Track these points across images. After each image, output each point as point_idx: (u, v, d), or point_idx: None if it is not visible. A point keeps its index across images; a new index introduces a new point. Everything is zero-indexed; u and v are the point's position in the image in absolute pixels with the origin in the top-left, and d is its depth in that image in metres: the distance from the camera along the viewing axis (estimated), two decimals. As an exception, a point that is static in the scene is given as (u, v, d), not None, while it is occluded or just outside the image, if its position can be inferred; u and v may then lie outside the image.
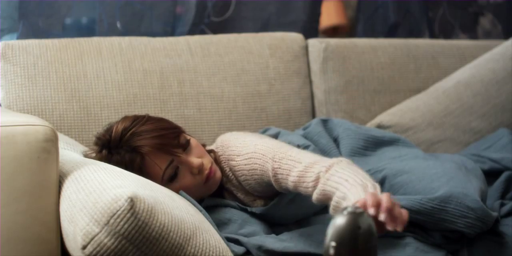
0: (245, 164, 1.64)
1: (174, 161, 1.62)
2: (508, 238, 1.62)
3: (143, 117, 1.66)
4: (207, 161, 1.66)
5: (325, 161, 1.47)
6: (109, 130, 1.65)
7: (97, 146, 1.66)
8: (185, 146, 1.65)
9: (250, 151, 1.63)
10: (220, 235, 1.47)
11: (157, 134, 1.61)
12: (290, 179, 1.51)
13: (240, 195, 1.72)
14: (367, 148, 1.86)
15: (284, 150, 1.57)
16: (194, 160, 1.63)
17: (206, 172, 1.64)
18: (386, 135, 1.91)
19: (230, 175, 1.71)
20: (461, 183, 1.64)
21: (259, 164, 1.61)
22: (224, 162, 1.71)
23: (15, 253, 1.38)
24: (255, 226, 1.62)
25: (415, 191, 1.65)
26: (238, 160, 1.66)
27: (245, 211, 1.68)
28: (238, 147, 1.68)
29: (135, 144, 1.60)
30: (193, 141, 1.68)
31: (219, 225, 1.60)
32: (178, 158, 1.62)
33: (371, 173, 1.75)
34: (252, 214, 1.67)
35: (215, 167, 1.67)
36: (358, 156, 1.83)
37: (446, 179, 1.65)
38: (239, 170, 1.67)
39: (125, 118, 1.67)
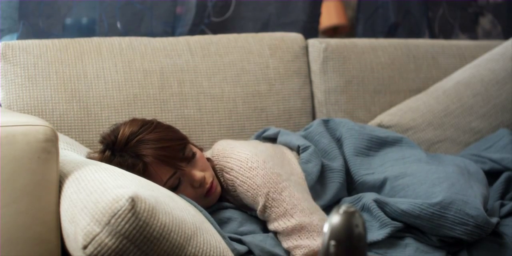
0: (238, 185, 1.64)
1: (177, 173, 1.62)
2: (508, 239, 1.62)
3: (151, 123, 1.66)
4: (209, 175, 1.66)
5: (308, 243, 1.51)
6: (115, 131, 1.65)
7: (101, 145, 1.66)
8: (190, 159, 1.65)
9: (246, 175, 1.62)
10: (221, 235, 1.48)
11: (163, 145, 1.61)
12: (274, 226, 1.56)
13: (236, 204, 1.71)
14: (371, 148, 1.86)
15: (281, 188, 1.58)
16: (197, 173, 1.63)
17: (207, 186, 1.64)
18: (389, 135, 1.91)
19: (225, 185, 1.71)
20: (462, 190, 1.64)
21: (251, 193, 1.61)
22: (219, 172, 1.71)
23: (15, 253, 1.38)
24: (254, 225, 1.62)
25: (416, 194, 1.65)
26: (232, 175, 1.66)
27: (245, 211, 1.69)
28: (233, 158, 1.67)
29: (140, 152, 1.59)
30: (198, 154, 1.68)
31: (219, 224, 1.61)
32: (181, 171, 1.62)
33: (374, 175, 1.75)
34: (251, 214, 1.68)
35: (216, 182, 1.68)
36: (362, 156, 1.83)
37: (447, 184, 1.65)
38: (232, 186, 1.67)
39: (133, 121, 1.67)
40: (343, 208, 1.11)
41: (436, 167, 1.74)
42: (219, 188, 1.68)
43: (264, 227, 1.64)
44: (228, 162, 1.67)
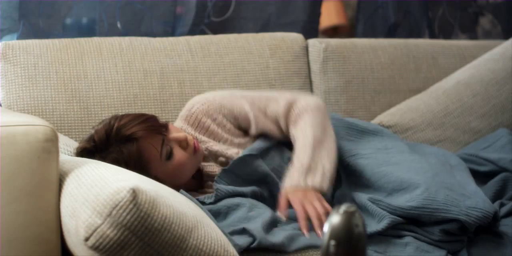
0: (214, 113, 1.82)
1: (165, 140, 1.69)
2: (508, 239, 1.62)
3: (115, 116, 1.71)
4: (188, 135, 1.75)
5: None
6: (89, 139, 1.68)
7: (84, 156, 1.67)
8: (167, 126, 1.72)
9: (212, 100, 1.84)
10: (222, 231, 1.49)
11: (142, 119, 1.68)
12: (270, 111, 1.81)
13: (212, 145, 1.79)
14: (351, 135, 1.89)
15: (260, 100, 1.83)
16: (180, 134, 1.72)
17: (192, 143, 1.72)
18: (369, 126, 1.94)
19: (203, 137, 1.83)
20: (446, 179, 1.68)
21: (237, 111, 1.82)
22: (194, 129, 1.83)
23: (15, 253, 1.38)
24: (262, 209, 1.65)
25: (400, 180, 1.67)
26: (199, 111, 1.82)
27: (254, 197, 1.71)
28: (191, 101, 1.87)
29: (126, 133, 1.64)
30: (169, 123, 1.76)
31: (229, 211, 1.64)
32: (167, 136, 1.70)
33: (356, 158, 1.78)
34: (258, 199, 1.71)
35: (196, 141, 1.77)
36: (343, 140, 1.85)
37: (431, 174, 1.68)
38: (208, 125, 1.82)
39: (98, 124, 1.71)
40: (343, 208, 1.12)
41: (419, 157, 1.77)
42: (200, 146, 1.76)
43: (272, 212, 1.66)
44: (190, 104, 1.86)
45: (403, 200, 1.62)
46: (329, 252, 1.13)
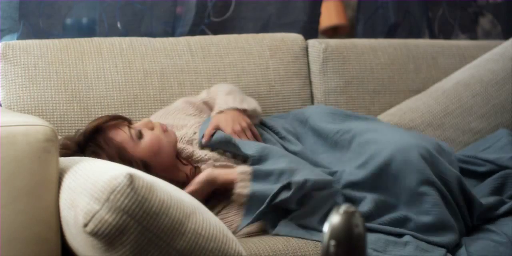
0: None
1: (130, 126, 1.74)
2: (507, 238, 1.63)
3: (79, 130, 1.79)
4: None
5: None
6: (63, 154, 1.71)
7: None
8: (129, 119, 1.79)
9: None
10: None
11: (104, 115, 1.76)
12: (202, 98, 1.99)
13: (181, 138, 1.86)
14: (336, 119, 1.96)
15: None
16: (142, 120, 1.79)
17: (158, 124, 1.78)
18: (355, 113, 2.03)
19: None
20: (422, 139, 1.77)
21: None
22: None
23: (15, 253, 1.38)
24: (307, 165, 1.77)
25: (378, 145, 1.73)
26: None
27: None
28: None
29: (92, 127, 1.70)
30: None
31: (277, 157, 1.74)
32: (130, 122, 1.77)
33: (340, 134, 1.87)
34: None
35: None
36: (326, 123, 1.93)
37: (412, 136, 1.79)
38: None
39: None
40: (343, 208, 1.12)
41: (402, 129, 1.90)
42: (169, 129, 1.81)
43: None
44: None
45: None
46: (329, 252, 1.13)
